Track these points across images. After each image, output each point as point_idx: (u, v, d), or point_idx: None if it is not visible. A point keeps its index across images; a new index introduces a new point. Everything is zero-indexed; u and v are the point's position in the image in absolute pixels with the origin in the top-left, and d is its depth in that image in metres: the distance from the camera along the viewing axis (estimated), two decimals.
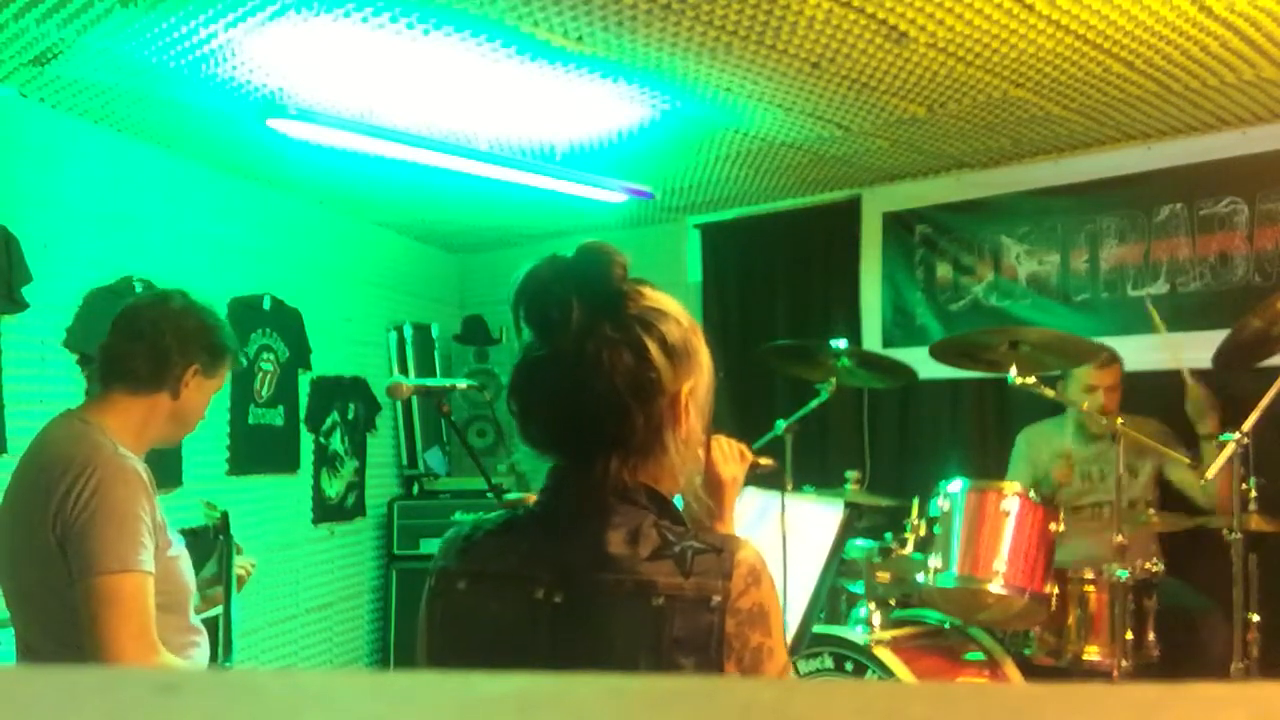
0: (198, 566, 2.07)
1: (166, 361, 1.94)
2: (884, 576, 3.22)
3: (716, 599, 1.13)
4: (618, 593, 1.14)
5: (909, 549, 3.12)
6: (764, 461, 1.65)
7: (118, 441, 1.87)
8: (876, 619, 3.11)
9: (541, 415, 1.22)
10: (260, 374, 4.41)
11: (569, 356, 1.16)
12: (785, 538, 2.05)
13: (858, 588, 3.26)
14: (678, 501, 1.29)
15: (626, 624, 1.14)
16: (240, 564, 2.19)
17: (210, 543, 2.16)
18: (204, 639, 1.99)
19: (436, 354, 5.52)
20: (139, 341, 1.94)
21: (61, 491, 1.76)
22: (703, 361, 1.24)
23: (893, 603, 3.29)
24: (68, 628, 1.77)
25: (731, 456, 1.52)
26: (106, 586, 1.72)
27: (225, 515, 2.16)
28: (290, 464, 4.61)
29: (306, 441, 4.71)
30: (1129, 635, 2.98)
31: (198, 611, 2.07)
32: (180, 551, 1.94)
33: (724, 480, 1.49)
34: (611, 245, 1.20)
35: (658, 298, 1.22)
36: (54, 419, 1.95)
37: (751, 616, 1.14)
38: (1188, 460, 3.15)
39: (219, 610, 2.19)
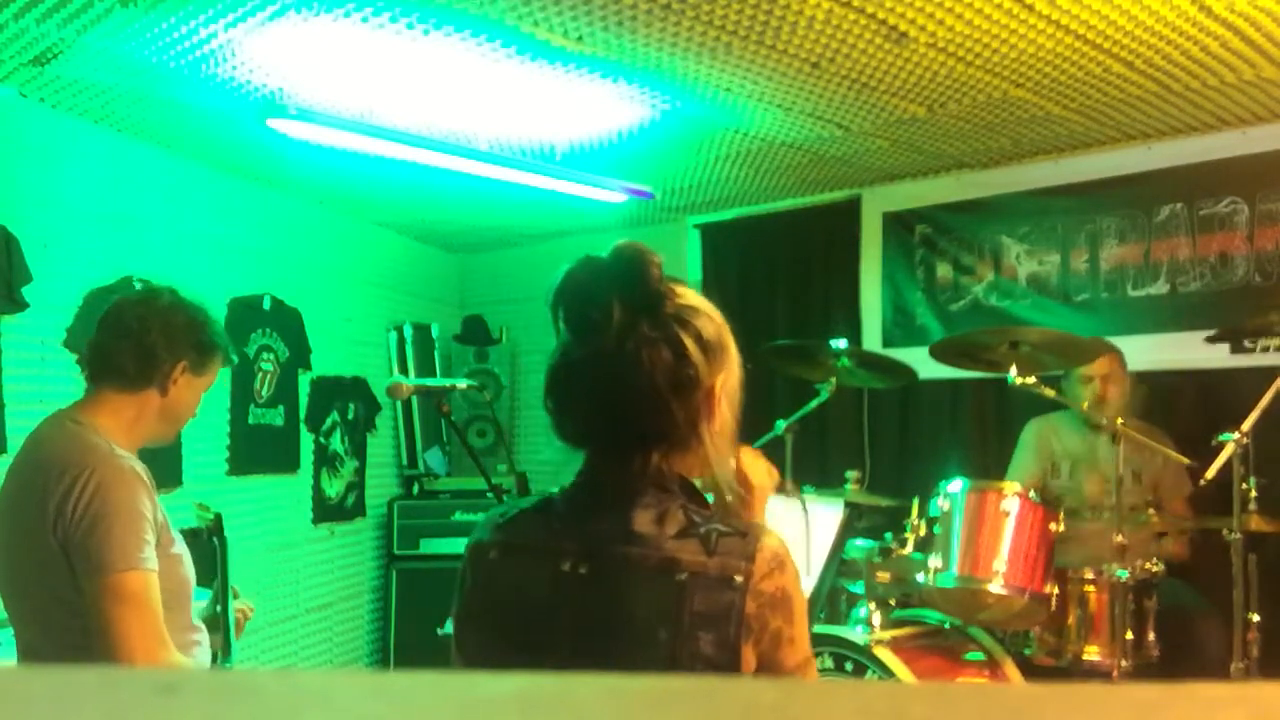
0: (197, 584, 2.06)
1: (154, 359, 1.92)
2: (884, 576, 3.22)
3: (739, 579, 1.16)
4: (642, 567, 1.18)
5: (909, 549, 3.12)
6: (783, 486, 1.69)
7: (111, 440, 1.87)
8: (876, 619, 3.11)
9: (582, 413, 1.25)
10: (260, 374, 4.41)
11: (610, 356, 1.19)
12: (809, 540, 2.04)
13: (858, 588, 3.26)
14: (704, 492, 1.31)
15: (648, 597, 1.17)
16: (238, 606, 2.17)
17: (206, 545, 2.15)
18: (205, 637, 1.99)
19: (436, 354, 5.52)
20: (126, 339, 1.92)
21: (61, 494, 1.76)
22: (733, 355, 1.29)
23: (893, 603, 3.29)
24: (68, 628, 1.77)
25: (759, 468, 1.54)
26: (116, 586, 1.72)
27: (218, 517, 2.15)
28: (290, 464, 4.61)
29: (306, 441, 4.71)
30: (1129, 635, 2.98)
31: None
32: (182, 549, 1.94)
33: (754, 485, 1.51)
34: (646, 245, 1.24)
35: (690, 295, 1.27)
36: (45, 420, 1.94)
37: (773, 600, 1.17)
38: (1188, 461, 3.15)
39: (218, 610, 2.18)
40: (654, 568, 1.17)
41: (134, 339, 1.92)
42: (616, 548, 1.20)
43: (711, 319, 1.26)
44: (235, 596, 2.17)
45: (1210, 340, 3.23)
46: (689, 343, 1.21)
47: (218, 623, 2.11)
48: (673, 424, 1.21)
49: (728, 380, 1.27)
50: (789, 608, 1.19)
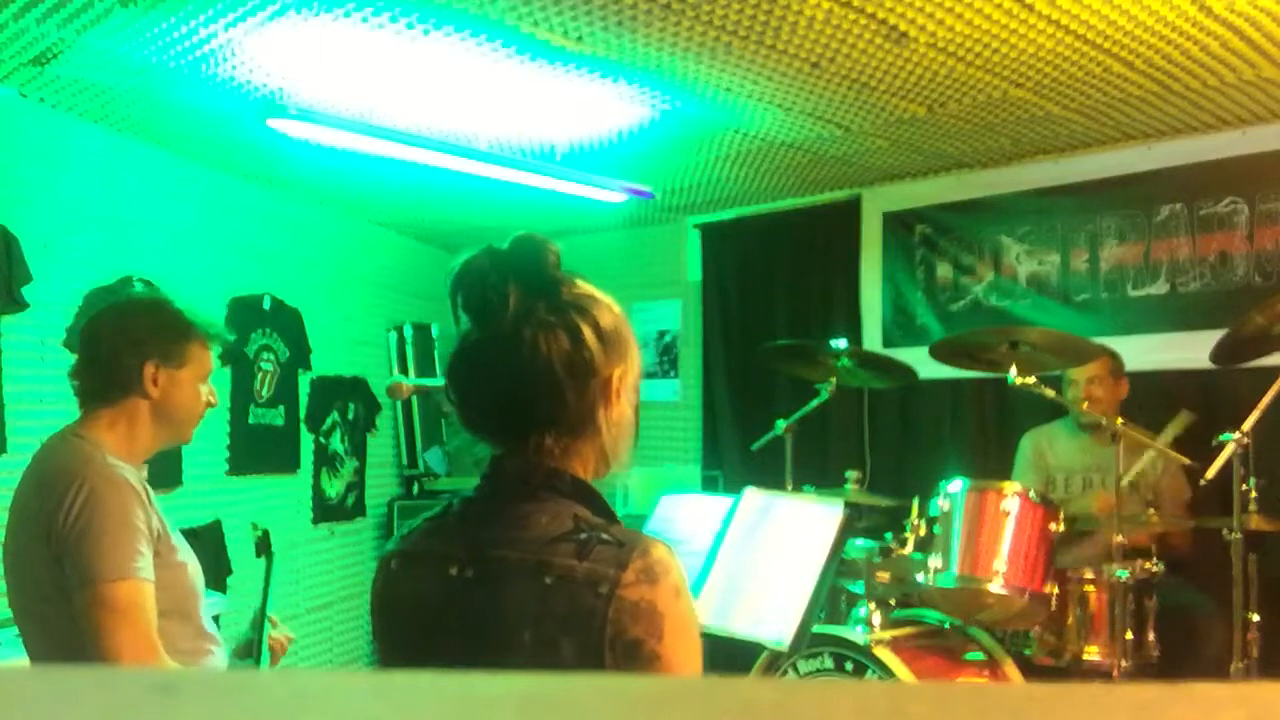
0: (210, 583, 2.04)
1: (119, 367, 1.91)
2: (884, 576, 3.22)
3: (604, 587, 1.14)
4: (518, 570, 1.18)
5: (909, 549, 3.12)
6: None
7: (113, 453, 1.86)
8: (876, 619, 3.11)
9: (481, 398, 1.26)
10: (260, 374, 4.41)
11: (507, 339, 1.21)
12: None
13: (858, 588, 3.26)
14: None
15: (517, 599, 1.17)
16: (274, 636, 2.14)
17: (207, 547, 2.14)
18: (219, 647, 1.97)
19: (436, 354, 5.52)
20: (89, 358, 1.93)
21: (53, 505, 1.75)
22: (633, 349, 1.30)
23: (893, 603, 3.29)
24: (70, 640, 1.76)
25: None
26: (105, 595, 1.71)
27: (266, 534, 2.15)
28: (290, 464, 4.61)
29: (306, 441, 4.71)
30: (1129, 635, 2.98)
31: None
32: (188, 559, 1.92)
33: None
34: (544, 236, 1.26)
35: (589, 288, 1.28)
36: (51, 436, 1.94)
37: (636, 610, 1.14)
38: (1188, 461, 3.15)
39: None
40: (528, 571, 1.18)
41: (95, 354, 1.92)
42: (498, 551, 1.21)
43: (610, 310, 1.27)
44: (274, 626, 2.13)
45: (1213, 361, 3.22)
46: (586, 329, 1.22)
47: (251, 649, 2.07)
48: (566, 408, 1.22)
49: (627, 373, 1.27)
50: (655, 621, 1.14)
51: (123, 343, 1.92)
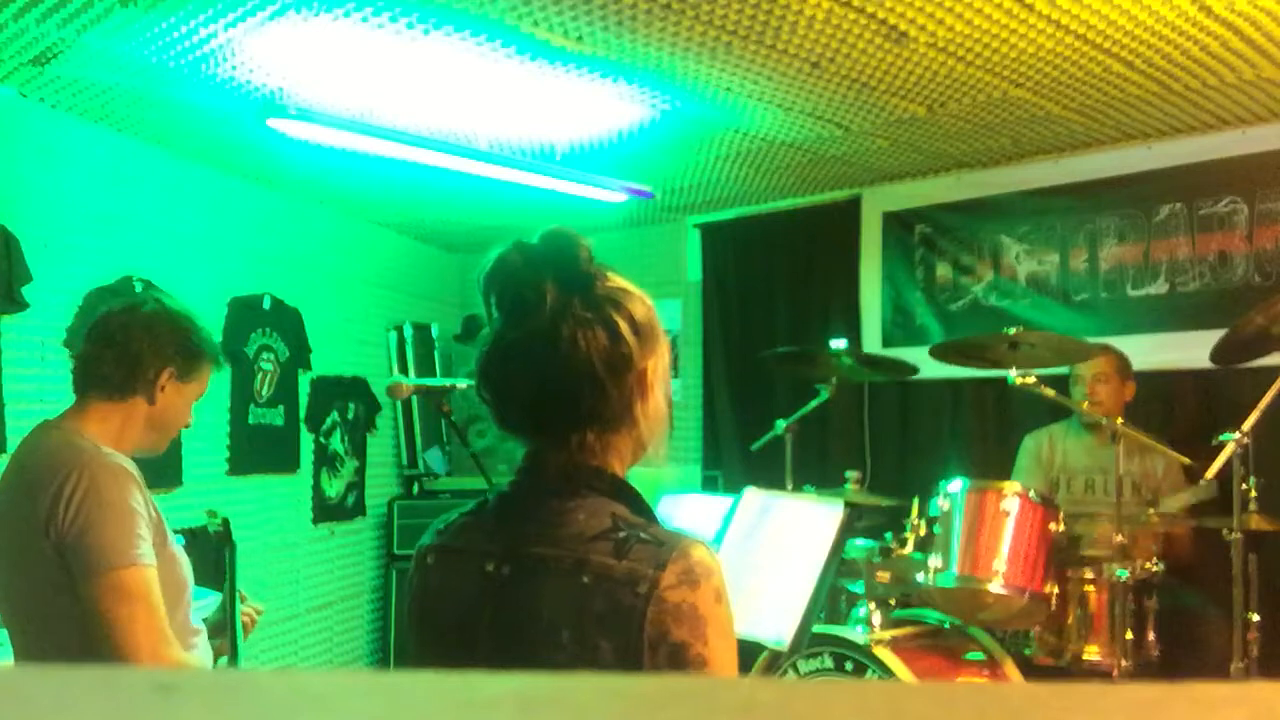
0: (201, 581, 2.06)
1: (139, 365, 1.92)
2: (884, 576, 3.22)
3: (643, 587, 1.14)
4: (556, 568, 1.18)
5: (909, 549, 3.12)
6: None
7: (102, 444, 1.86)
8: (876, 619, 3.11)
9: (519, 397, 1.25)
10: (260, 374, 4.41)
11: (545, 338, 1.19)
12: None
13: (858, 588, 3.26)
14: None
15: (555, 598, 1.17)
16: (246, 610, 2.17)
17: (213, 548, 2.15)
18: (202, 639, 1.98)
19: (436, 354, 5.52)
20: (110, 347, 1.93)
21: (51, 497, 1.75)
22: (663, 339, 1.29)
23: (893, 603, 3.29)
24: (66, 633, 1.76)
25: None
26: (116, 584, 1.71)
27: (226, 521, 2.16)
28: (290, 464, 4.61)
29: (306, 441, 4.71)
30: (1129, 635, 2.98)
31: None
32: (177, 551, 1.93)
33: None
34: (574, 230, 1.25)
35: (620, 280, 1.27)
36: (32, 430, 1.93)
37: (678, 612, 1.14)
38: (1188, 461, 3.15)
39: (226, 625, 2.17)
40: (566, 569, 1.17)
41: (118, 347, 1.92)
42: (535, 548, 1.20)
43: (643, 302, 1.26)
44: (243, 600, 2.17)
45: (1213, 361, 3.22)
46: (622, 323, 1.21)
47: (224, 626, 2.11)
48: (607, 404, 1.21)
49: (659, 364, 1.27)
50: (698, 625, 1.14)
51: (150, 344, 1.94)
